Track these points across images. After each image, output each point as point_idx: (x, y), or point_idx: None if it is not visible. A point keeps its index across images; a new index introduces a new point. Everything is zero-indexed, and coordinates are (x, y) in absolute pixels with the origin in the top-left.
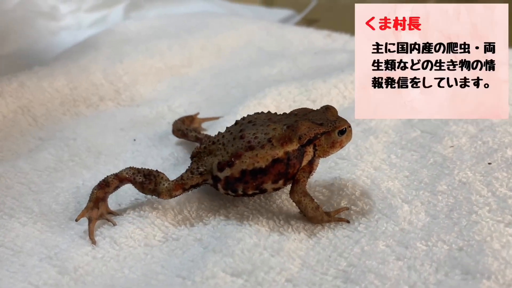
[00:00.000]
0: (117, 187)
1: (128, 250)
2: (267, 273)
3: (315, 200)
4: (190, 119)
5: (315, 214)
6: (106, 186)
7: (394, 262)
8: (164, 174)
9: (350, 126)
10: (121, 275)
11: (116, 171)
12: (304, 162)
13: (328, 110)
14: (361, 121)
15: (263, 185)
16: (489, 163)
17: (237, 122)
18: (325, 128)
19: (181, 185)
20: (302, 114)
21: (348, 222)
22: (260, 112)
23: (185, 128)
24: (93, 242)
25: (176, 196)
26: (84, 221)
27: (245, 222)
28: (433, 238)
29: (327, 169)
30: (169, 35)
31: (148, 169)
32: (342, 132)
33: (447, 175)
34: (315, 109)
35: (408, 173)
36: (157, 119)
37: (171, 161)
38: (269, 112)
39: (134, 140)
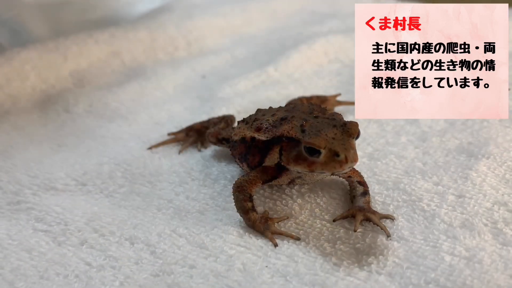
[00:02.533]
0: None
1: None
2: None
3: (253, 204)
4: (323, 99)
5: (244, 218)
6: (207, 122)
7: (412, 150)
8: (223, 124)
9: (337, 154)
10: None
11: (188, 99)
12: (268, 161)
13: (342, 127)
14: None
15: (236, 159)
16: (509, 89)
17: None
18: (294, 136)
19: (217, 134)
20: (319, 117)
21: (298, 239)
22: (313, 103)
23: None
24: (151, 147)
25: (212, 142)
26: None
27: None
28: (448, 135)
29: None
30: (232, 2)
31: (231, 116)
32: (311, 151)
33: None
34: (341, 119)
35: None
36: (223, 64)
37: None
38: (313, 104)
39: (204, 77)
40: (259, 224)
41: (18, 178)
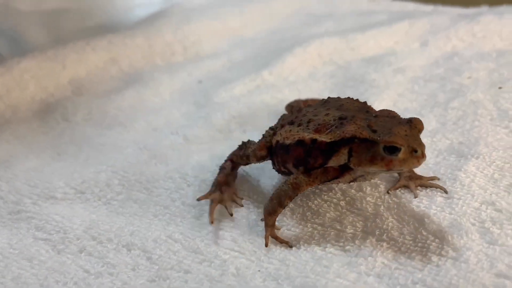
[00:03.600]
0: (233, 168)
1: None
2: None
3: (285, 207)
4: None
5: (269, 208)
6: (224, 168)
7: None
8: (254, 141)
9: (415, 150)
10: None
11: (184, 104)
12: (333, 163)
13: (409, 123)
14: (393, 62)
15: (287, 165)
16: (500, 88)
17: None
18: (369, 136)
19: (264, 143)
20: (375, 115)
21: (291, 247)
22: (350, 98)
23: (296, 105)
24: (211, 220)
25: (263, 156)
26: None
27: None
28: (439, 135)
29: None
30: (231, 4)
31: (243, 141)
32: (391, 150)
33: (460, 96)
34: (401, 117)
35: (427, 97)
36: (219, 68)
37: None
38: (354, 100)
39: (201, 82)
40: (272, 220)
41: (18, 188)
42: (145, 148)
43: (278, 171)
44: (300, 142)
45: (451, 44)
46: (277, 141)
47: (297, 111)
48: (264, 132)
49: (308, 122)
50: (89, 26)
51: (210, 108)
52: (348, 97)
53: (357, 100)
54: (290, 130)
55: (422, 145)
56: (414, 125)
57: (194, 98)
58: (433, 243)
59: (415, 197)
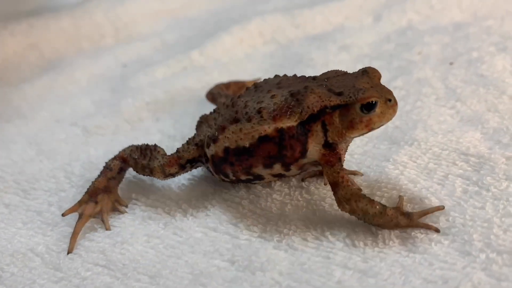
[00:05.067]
0: (122, 170)
1: None
2: None
3: (375, 200)
4: (241, 85)
5: (384, 220)
6: (109, 170)
7: None
8: (162, 150)
9: (389, 99)
10: None
11: (99, 91)
12: (313, 145)
13: (365, 74)
14: (339, 39)
15: (253, 169)
16: (451, 63)
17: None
18: (340, 100)
19: (176, 159)
20: (322, 79)
21: (438, 231)
22: (278, 75)
23: (218, 92)
24: (71, 248)
25: (172, 174)
26: None
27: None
28: None
29: None
30: None
31: (147, 144)
32: (369, 107)
33: (406, 74)
34: (349, 72)
35: None
36: (149, 50)
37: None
38: (283, 76)
39: (125, 66)
40: (402, 216)
41: None
42: (35, 143)
43: (238, 181)
44: (265, 138)
45: (406, 17)
46: (226, 148)
47: (225, 107)
48: (187, 131)
49: (259, 112)
50: (26, 10)
51: (123, 94)
52: (276, 75)
53: (284, 75)
54: (241, 129)
55: (391, 92)
56: (372, 75)
57: (112, 84)
58: (340, 252)
59: (325, 184)
